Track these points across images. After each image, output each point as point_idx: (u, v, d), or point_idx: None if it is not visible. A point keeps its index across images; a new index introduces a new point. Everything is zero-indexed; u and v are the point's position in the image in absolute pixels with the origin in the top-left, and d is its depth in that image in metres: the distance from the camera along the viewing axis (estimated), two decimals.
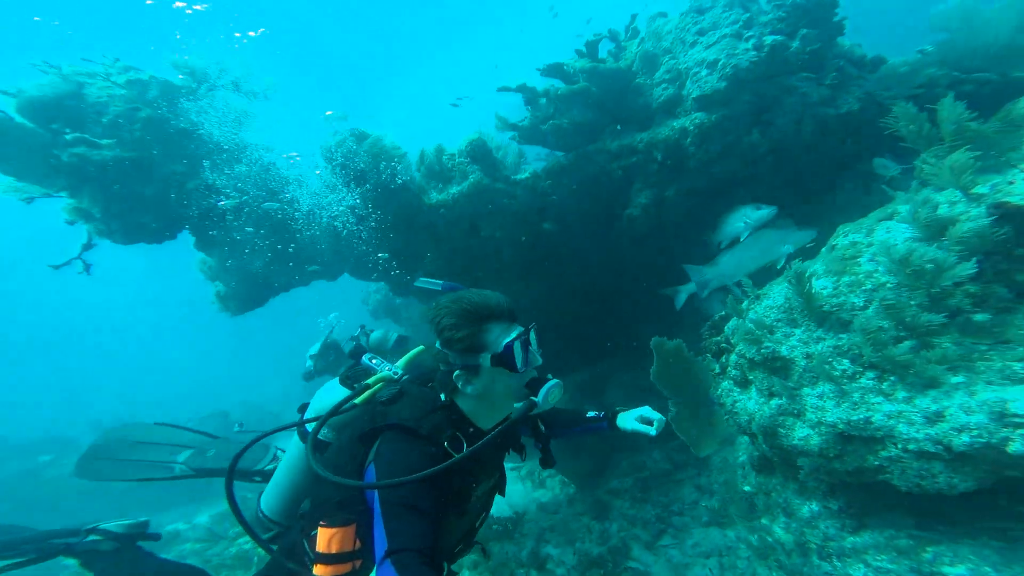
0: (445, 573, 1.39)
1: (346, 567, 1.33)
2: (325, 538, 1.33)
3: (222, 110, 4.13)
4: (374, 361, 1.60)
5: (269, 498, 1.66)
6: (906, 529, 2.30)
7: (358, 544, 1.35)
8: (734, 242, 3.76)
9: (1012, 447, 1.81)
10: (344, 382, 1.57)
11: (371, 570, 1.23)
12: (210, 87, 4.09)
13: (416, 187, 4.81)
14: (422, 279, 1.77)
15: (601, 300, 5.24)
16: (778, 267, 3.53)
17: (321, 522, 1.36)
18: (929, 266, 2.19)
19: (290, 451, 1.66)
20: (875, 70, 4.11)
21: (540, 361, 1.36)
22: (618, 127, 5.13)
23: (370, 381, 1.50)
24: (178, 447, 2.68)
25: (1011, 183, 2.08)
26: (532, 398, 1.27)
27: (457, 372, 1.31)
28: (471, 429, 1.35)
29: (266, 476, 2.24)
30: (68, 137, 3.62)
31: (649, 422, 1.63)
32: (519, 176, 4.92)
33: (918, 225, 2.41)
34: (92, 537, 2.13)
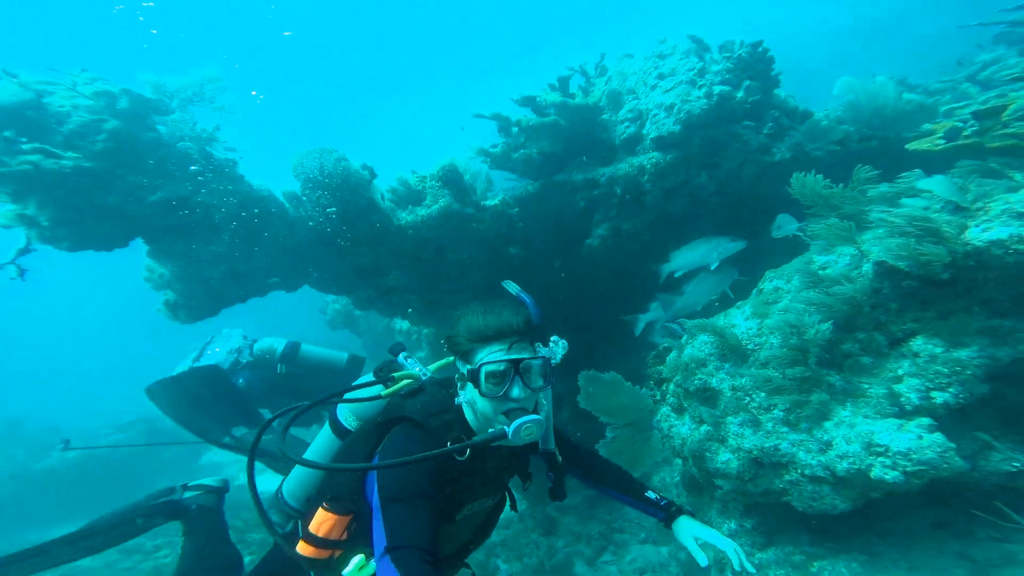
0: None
1: (326, 553, 1.38)
2: (320, 519, 1.38)
3: (193, 124, 4.17)
4: (408, 360, 1.63)
5: (291, 484, 1.69)
6: (801, 546, 2.60)
7: (345, 536, 1.39)
8: (696, 271, 4.11)
9: (873, 472, 2.13)
10: (377, 375, 1.60)
11: (346, 562, 1.29)
12: (185, 101, 4.12)
13: (387, 207, 4.95)
14: (508, 282, 1.79)
15: (563, 321, 5.51)
16: (731, 296, 3.88)
17: (325, 503, 1.40)
18: (807, 323, 2.54)
19: (318, 437, 1.69)
20: (803, 122, 4.58)
21: (519, 395, 1.28)
22: (584, 159, 5.45)
23: (397, 375, 1.55)
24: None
25: (878, 239, 2.41)
26: (504, 427, 1.24)
27: (455, 376, 1.40)
28: (476, 436, 1.35)
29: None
30: (25, 147, 3.59)
31: (712, 548, 1.49)
32: (488, 202, 5.14)
33: (812, 279, 2.76)
34: (190, 493, 2.16)
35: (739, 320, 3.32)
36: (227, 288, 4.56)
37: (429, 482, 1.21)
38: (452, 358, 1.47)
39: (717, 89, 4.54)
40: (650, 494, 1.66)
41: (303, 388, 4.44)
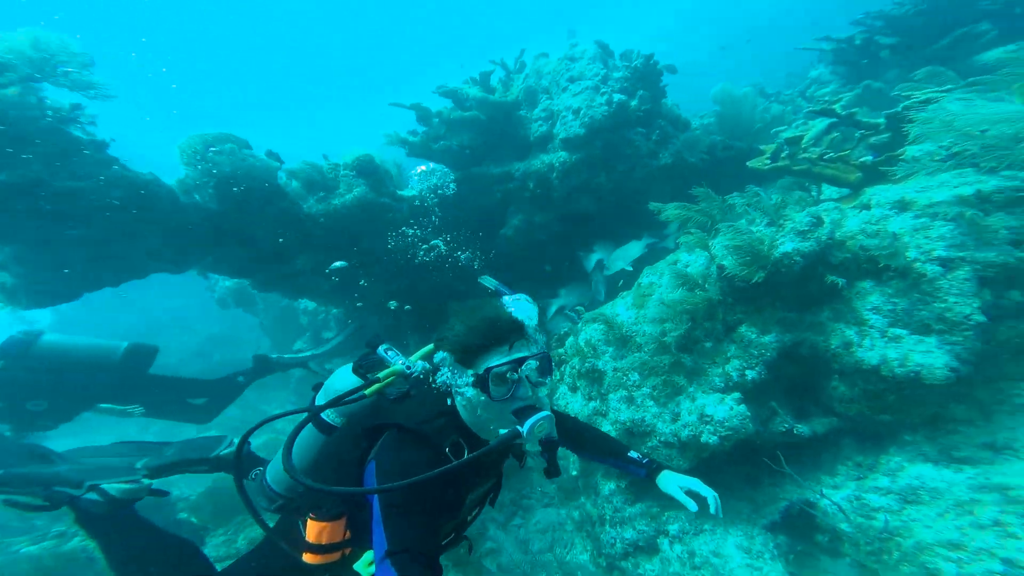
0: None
1: (335, 556, 1.37)
2: (315, 530, 1.35)
3: (42, 102, 3.56)
4: (389, 353, 1.56)
5: (275, 470, 1.66)
6: (659, 501, 3.15)
7: (348, 534, 1.37)
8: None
9: (703, 438, 2.67)
10: (356, 371, 1.53)
11: (360, 555, 1.28)
12: (25, 77, 3.49)
13: (294, 194, 4.72)
14: (486, 277, 1.68)
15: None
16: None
17: (311, 514, 1.36)
18: (661, 321, 3.04)
19: (300, 434, 1.62)
20: (684, 130, 5.21)
21: (531, 395, 1.29)
22: (501, 153, 5.62)
23: (381, 375, 1.48)
24: (132, 456, 2.68)
25: (728, 249, 2.94)
26: (517, 427, 1.22)
27: (452, 377, 1.32)
28: (473, 438, 1.34)
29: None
30: None
31: (694, 495, 1.55)
32: (406, 192, 5.12)
33: (678, 276, 3.27)
34: (91, 496, 2.00)
35: (622, 310, 3.78)
36: (93, 272, 4.08)
37: (433, 493, 1.19)
38: (432, 347, 1.46)
39: (616, 97, 4.94)
40: (632, 454, 1.72)
41: (49, 387, 3.70)
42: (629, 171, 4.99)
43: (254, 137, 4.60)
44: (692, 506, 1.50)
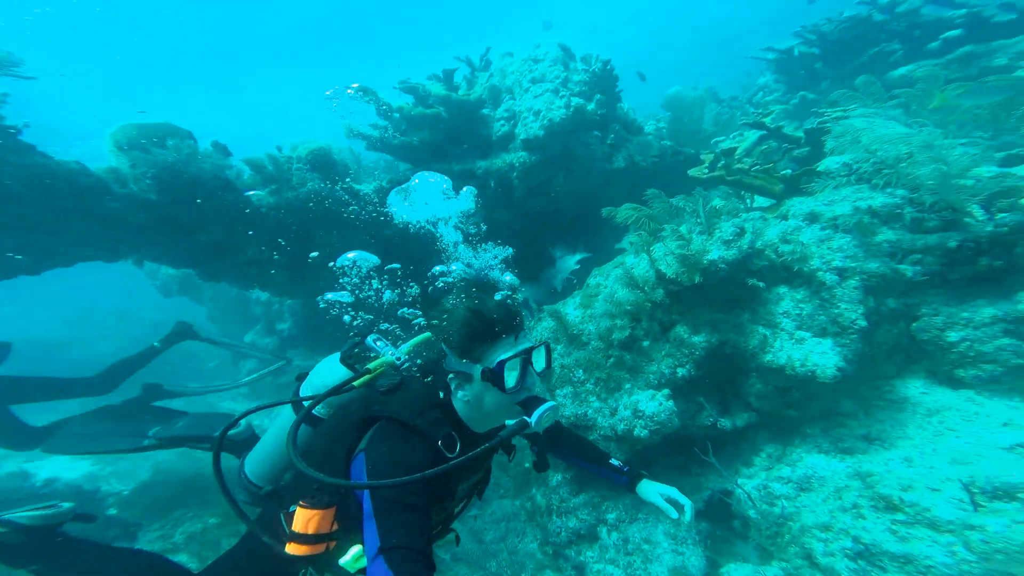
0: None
1: (320, 547, 1.33)
2: (304, 519, 1.31)
3: None
4: (378, 343, 1.51)
5: (254, 463, 1.61)
6: (600, 492, 3.34)
7: (335, 526, 1.33)
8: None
9: (635, 431, 2.86)
10: (345, 361, 1.49)
11: (346, 549, 1.26)
12: None
13: (244, 186, 4.58)
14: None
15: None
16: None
17: (302, 502, 1.32)
18: (605, 320, 3.21)
19: (282, 419, 1.59)
20: (638, 134, 5.42)
21: (539, 384, 1.30)
22: (465, 147, 5.65)
23: (372, 366, 1.44)
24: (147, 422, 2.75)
25: (666, 254, 3.12)
26: (525, 418, 1.22)
27: (451, 376, 1.28)
28: (465, 431, 1.32)
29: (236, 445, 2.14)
30: None
31: (674, 503, 1.58)
32: (362, 187, 5.06)
33: (624, 280, 3.44)
34: None
35: (571, 309, 3.93)
36: (5, 262, 3.84)
37: (426, 488, 1.17)
38: (427, 336, 1.45)
39: (575, 101, 5.06)
40: (614, 461, 1.75)
41: None
42: (586, 173, 5.14)
43: (201, 123, 4.42)
44: (673, 514, 1.56)
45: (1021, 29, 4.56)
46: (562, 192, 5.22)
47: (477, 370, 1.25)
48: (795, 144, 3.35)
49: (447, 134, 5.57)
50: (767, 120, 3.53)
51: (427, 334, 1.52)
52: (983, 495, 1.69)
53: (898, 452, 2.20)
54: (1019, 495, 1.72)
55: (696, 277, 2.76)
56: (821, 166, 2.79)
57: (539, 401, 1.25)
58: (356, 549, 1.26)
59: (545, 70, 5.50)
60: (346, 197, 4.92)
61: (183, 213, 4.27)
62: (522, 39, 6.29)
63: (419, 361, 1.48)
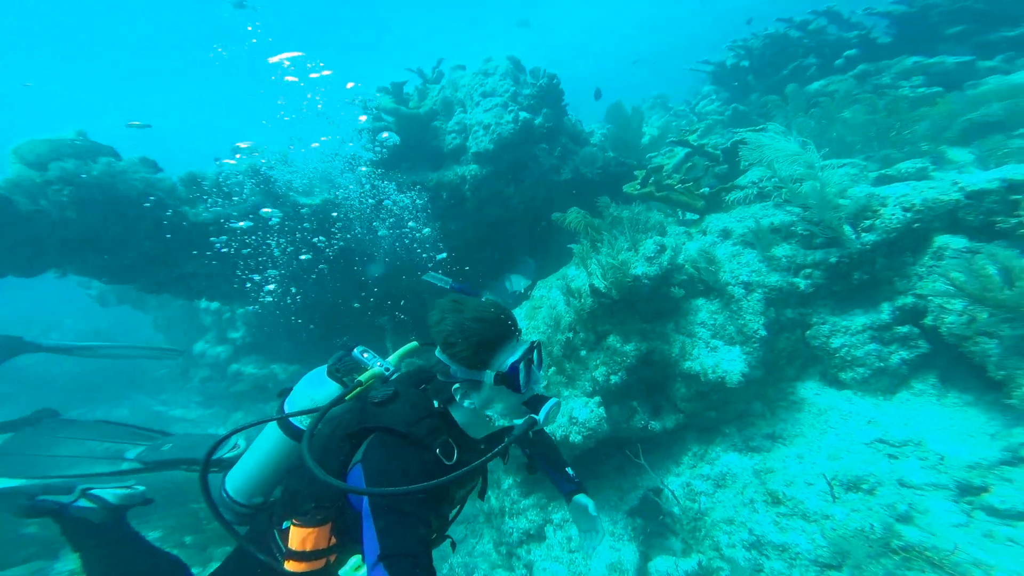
0: None
1: (320, 563, 1.32)
2: (299, 537, 1.30)
3: None
4: (365, 355, 1.50)
5: (237, 481, 1.56)
6: (547, 494, 3.49)
7: (333, 541, 1.33)
8: None
9: (571, 438, 3.03)
10: (332, 375, 1.47)
11: (345, 561, 1.25)
12: None
13: (179, 201, 4.46)
14: (431, 274, 1.66)
15: (396, 299, 5.87)
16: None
17: (295, 520, 1.31)
18: (547, 332, 3.36)
19: (265, 436, 1.55)
20: (585, 145, 5.63)
21: (541, 380, 1.33)
22: (414, 162, 5.68)
23: (363, 378, 1.43)
24: (123, 443, 2.48)
25: (598, 266, 3.30)
26: (533, 416, 1.24)
27: (457, 385, 1.27)
28: (463, 438, 1.33)
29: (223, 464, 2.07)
30: None
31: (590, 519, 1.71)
32: (309, 199, 5.02)
33: (564, 292, 3.60)
34: (82, 502, 1.80)
35: (519, 319, 4.07)
36: None
37: (427, 496, 1.18)
38: (413, 346, 1.45)
39: (523, 115, 5.21)
40: (569, 470, 1.79)
41: None
42: (535, 184, 5.30)
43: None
44: (583, 527, 1.70)
45: (900, 51, 5.07)
46: (515, 202, 5.36)
47: (489, 376, 1.25)
48: (715, 161, 3.61)
49: (397, 146, 5.60)
50: (691, 138, 3.77)
51: (413, 343, 1.56)
52: (840, 487, 1.94)
53: (793, 449, 2.46)
54: (863, 486, 2.00)
55: (624, 290, 2.95)
56: (742, 181, 3.03)
57: (542, 399, 1.26)
58: (354, 559, 1.27)
59: (495, 84, 5.62)
60: (293, 211, 4.87)
61: (111, 229, 4.11)
62: (496, 37, 6.38)
63: (409, 371, 1.49)
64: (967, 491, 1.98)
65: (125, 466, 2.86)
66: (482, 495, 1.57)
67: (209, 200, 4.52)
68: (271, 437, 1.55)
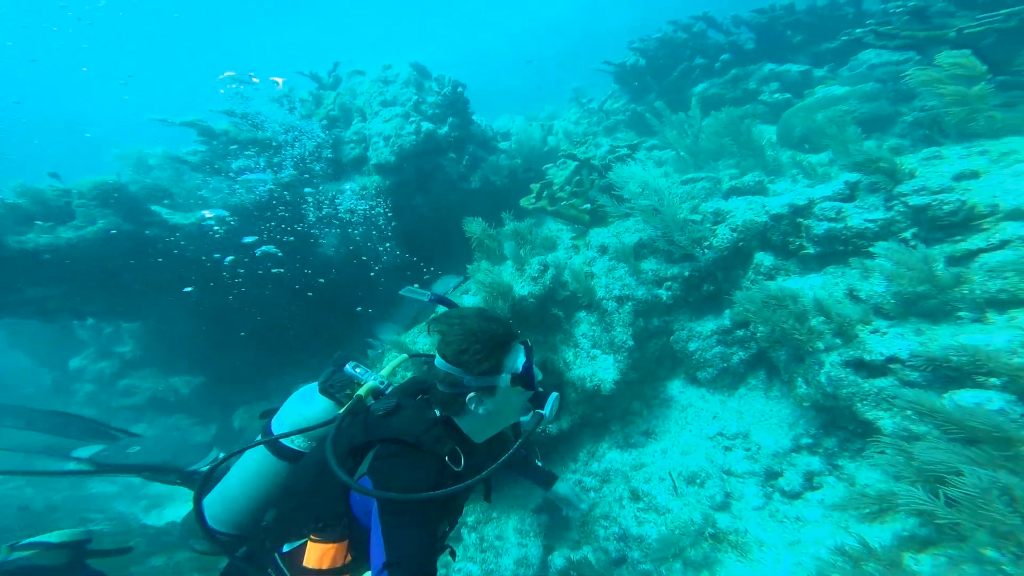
0: None
1: None
2: (317, 554, 1.26)
3: None
4: (358, 370, 1.48)
5: (219, 508, 1.48)
6: None
7: (349, 558, 1.30)
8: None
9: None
10: (325, 391, 1.47)
11: None
12: None
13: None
14: (408, 288, 1.64)
15: (294, 326, 5.56)
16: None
17: (313, 536, 1.28)
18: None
19: (250, 459, 1.49)
20: (494, 152, 5.69)
21: (541, 375, 1.36)
22: (311, 174, 5.31)
23: (361, 392, 1.42)
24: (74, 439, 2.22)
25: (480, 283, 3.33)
26: (540, 412, 1.27)
27: (472, 395, 1.26)
28: (468, 444, 1.33)
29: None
30: None
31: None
32: (181, 220, 4.49)
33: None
34: (17, 555, 1.63)
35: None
36: None
37: (439, 505, 1.19)
38: (403, 359, 1.50)
39: (425, 126, 5.09)
40: (538, 463, 1.93)
41: None
42: (444, 192, 5.24)
43: None
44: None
45: (761, 57, 5.73)
46: (422, 212, 5.25)
47: (505, 379, 1.25)
48: (600, 174, 3.83)
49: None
50: (578, 152, 3.96)
51: (403, 356, 1.63)
52: (683, 481, 2.25)
53: (660, 445, 2.77)
54: (697, 480, 2.34)
55: (506, 306, 3.04)
56: (626, 194, 3.21)
57: (541, 396, 1.30)
58: (367, 574, 1.27)
59: (396, 92, 5.41)
60: (162, 232, 4.33)
61: None
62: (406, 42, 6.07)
63: (403, 384, 1.50)
64: (771, 476, 2.39)
65: (72, 466, 2.54)
66: (487, 497, 1.60)
67: (45, 224, 3.87)
68: (257, 460, 1.51)
